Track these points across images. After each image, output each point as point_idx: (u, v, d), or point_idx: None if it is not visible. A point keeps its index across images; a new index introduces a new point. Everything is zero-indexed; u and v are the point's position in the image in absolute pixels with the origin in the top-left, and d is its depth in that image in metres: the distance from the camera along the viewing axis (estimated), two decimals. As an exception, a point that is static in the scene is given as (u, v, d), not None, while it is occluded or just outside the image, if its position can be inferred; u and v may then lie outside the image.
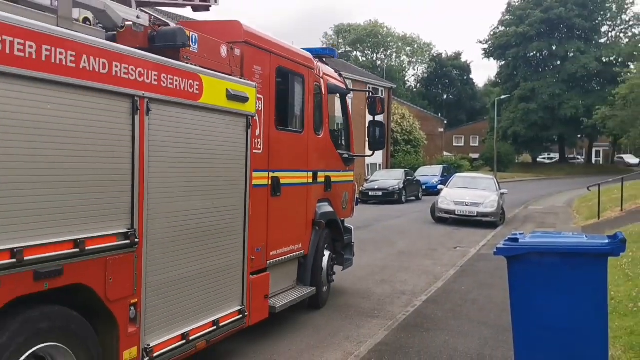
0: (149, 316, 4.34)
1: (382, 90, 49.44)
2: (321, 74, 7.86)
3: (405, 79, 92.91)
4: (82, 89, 3.65)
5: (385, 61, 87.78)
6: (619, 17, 63.53)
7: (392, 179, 27.90)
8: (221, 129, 5.18)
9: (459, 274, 10.22)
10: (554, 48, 62.67)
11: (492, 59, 69.00)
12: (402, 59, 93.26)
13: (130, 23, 4.55)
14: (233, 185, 5.41)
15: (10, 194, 3.23)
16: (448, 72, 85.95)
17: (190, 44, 4.98)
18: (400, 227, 17.72)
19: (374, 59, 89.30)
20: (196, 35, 5.09)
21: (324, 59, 8.43)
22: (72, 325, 3.70)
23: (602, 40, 63.93)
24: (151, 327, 4.37)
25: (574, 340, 4.50)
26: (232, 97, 5.21)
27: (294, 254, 6.97)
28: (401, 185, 27.26)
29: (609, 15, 63.41)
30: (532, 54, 63.39)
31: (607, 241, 4.43)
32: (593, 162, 73.78)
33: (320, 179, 7.59)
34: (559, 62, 63.75)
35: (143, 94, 4.16)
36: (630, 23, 63.19)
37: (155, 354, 4.37)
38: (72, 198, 3.64)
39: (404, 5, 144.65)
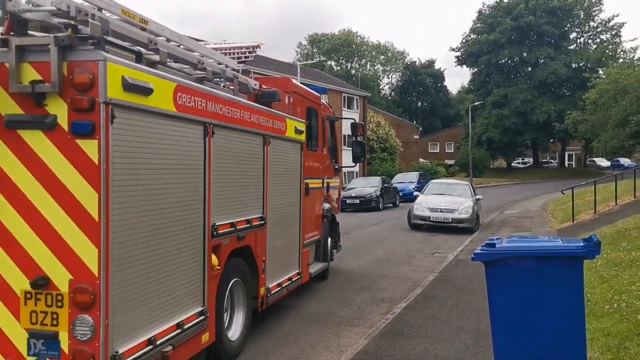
0: (269, 267, 7.01)
1: (357, 99, 49.70)
2: (323, 107, 10.42)
3: (380, 87, 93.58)
4: (244, 132, 6.19)
5: (360, 70, 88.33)
6: (586, 24, 64.81)
7: (369, 186, 27.98)
8: (291, 153, 7.85)
9: (438, 280, 10.24)
10: (524, 55, 63.72)
11: (464, 66, 69.87)
12: (376, 67, 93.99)
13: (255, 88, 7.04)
14: (295, 189, 8.03)
15: (230, 195, 5.85)
16: (422, 80, 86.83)
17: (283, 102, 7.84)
18: (378, 235, 17.75)
19: (349, 67, 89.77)
20: (279, 91, 7.51)
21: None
22: (244, 269, 6.37)
23: (571, 47, 65.17)
24: (270, 275, 7.08)
25: (552, 343, 4.54)
26: (297, 131, 7.98)
27: (314, 238, 9.40)
28: (378, 193, 27.32)
29: (577, 22, 64.67)
30: (503, 60, 64.33)
31: (582, 244, 4.47)
32: (566, 165, 75.01)
33: (325, 184, 10.11)
34: (530, 69, 64.78)
35: (267, 133, 6.79)
36: (598, 29, 64.51)
37: (271, 293, 7.10)
38: (246, 196, 6.33)
39: (378, 15, 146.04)
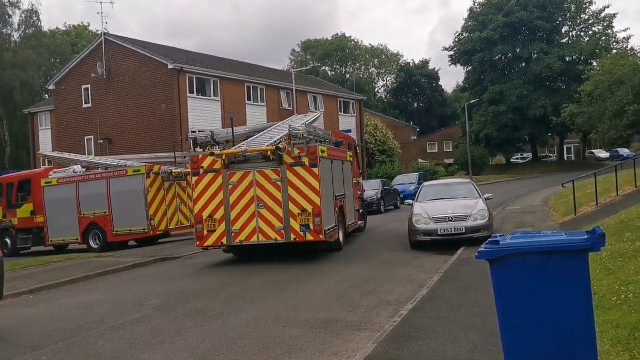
0: (347, 216, 16.03)
1: (353, 103, 49.69)
2: (354, 141, 20.01)
3: (376, 90, 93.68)
4: (339, 160, 15.72)
5: (355, 74, 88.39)
6: (578, 17, 64.88)
7: (369, 189, 27.91)
8: (350, 167, 17.19)
9: (443, 280, 10.19)
10: (518, 51, 63.77)
11: (458, 65, 69.92)
12: (371, 70, 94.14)
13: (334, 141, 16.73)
14: (351, 183, 16.98)
15: (337, 184, 14.99)
16: (417, 81, 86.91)
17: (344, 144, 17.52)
18: (381, 237, 17.71)
19: (343, 72, 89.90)
20: (343, 141, 17.64)
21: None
22: (342, 214, 15.46)
23: (564, 40, 65.20)
24: (348, 219, 16.10)
25: (562, 338, 4.48)
26: (350, 157, 17.41)
27: (357, 207, 18.03)
28: (379, 195, 27.29)
29: (568, 15, 64.76)
30: (497, 57, 64.37)
31: (586, 237, 4.43)
32: (565, 159, 75.01)
33: (358, 182, 19.50)
34: (524, 64, 64.85)
35: (343, 159, 16.25)
36: (590, 22, 64.58)
37: (349, 225, 16.35)
38: (340, 185, 15.46)
39: (369, 18, 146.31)
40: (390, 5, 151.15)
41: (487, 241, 4.75)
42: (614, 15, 63.55)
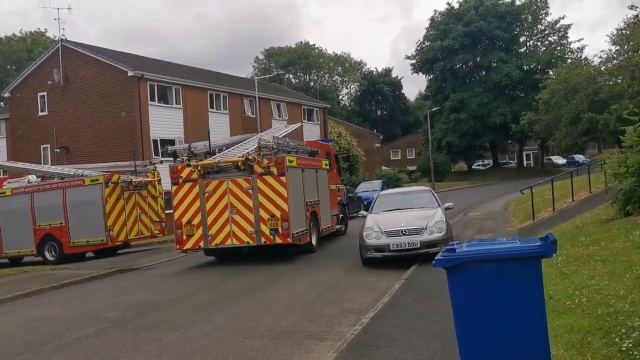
0: (322, 219, 17.24)
1: (316, 111, 49.81)
2: (333, 150, 21.43)
3: (339, 97, 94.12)
4: (311, 168, 17.04)
5: (318, 81, 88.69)
6: (534, 27, 66.68)
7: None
8: (325, 174, 18.41)
9: (404, 287, 10.25)
10: (478, 59, 65.08)
11: (420, 73, 70.92)
12: (334, 78, 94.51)
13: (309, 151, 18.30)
14: (327, 189, 18.23)
15: (308, 190, 16.25)
16: (380, 89, 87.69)
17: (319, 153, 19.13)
18: (345, 244, 17.71)
19: (307, 80, 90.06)
20: (319, 150, 19.13)
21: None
22: (315, 218, 16.75)
23: (522, 50, 66.89)
24: (323, 222, 17.41)
25: (517, 344, 4.54)
26: (325, 165, 18.50)
27: (336, 212, 19.28)
28: (344, 203, 27.31)
29: (525, 25, 66.48)
30: (458, 66, 65.53)
31: (539, 243, 4.51)
32: (524, 165, 76.63)
33: (337, 187, 20.67)
34: (484, 73, 66.20)
35: (316, 168, 17.43)
36: (546, 32, 66.43)
37: (323, 229, 17.44)
38: (312, 191, 16.69)
39: (333, 27, 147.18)
40: (353, 14, 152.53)
41: (444, 249, 4.80)
42: (568, 26, 65.55)
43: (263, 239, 14.39)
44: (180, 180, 14.82)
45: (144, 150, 31.41)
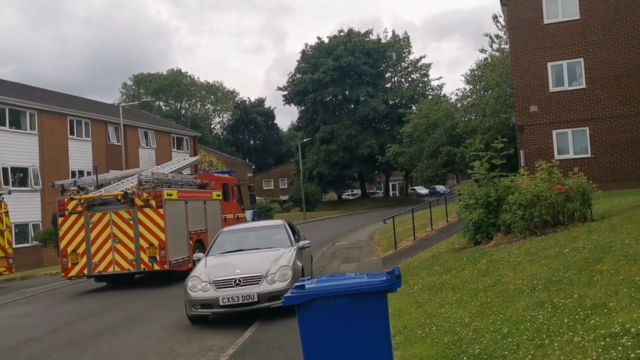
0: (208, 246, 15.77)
1: (186, 139, 48.82)
2: (230, 181, 22.48)
3: (212, 126, 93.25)
4: (197, 200, 18.34)
5: (190, 110, 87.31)
6: (399, 65, 70.82)
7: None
8: (216, 205, 19.60)
9: (266, 321, 10.09)
10: (347, 93, 67.70)
11: (292, 104, 72.28)
12: (206, 107, 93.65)
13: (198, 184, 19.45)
14: (218, 218, 19.43)
15: (194, 221, 17.73)
16: (253, 119, 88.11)
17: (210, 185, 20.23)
18: None
19: (178, 107, 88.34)
20: (210, 182, 20.32)
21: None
22: (201, 245, 17.62)
23: (387, 85, 70.66)
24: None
25: (366, 378, 4.57)
26: (217, 195, 19.83)
27: None
28: None
29: (390, 62, 70.40)
30: (328, 98, 67.67)
31: (384, 278, 4.59)
32: (391, 195, 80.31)
33: (235, 216, 21.58)
34: (352, 106, 68.93)
35: (205, 199, 18.77)
36: (409, 69, 70.79)
37: None
38: (200, 221, 18.31)
39: (206, 55, 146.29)
40: (226, 44, 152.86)
41: (294, 285, 4.75)
42: (429, 65, 70.48)
43: (142, 266, 15.71)
44: (67, 212, 15.94)
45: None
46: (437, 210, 23.57)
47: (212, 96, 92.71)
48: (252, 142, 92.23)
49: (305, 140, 64.72)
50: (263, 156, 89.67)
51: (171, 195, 16.27)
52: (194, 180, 19.08)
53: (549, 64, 22.72)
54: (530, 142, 22.72)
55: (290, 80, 71.38)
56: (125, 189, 16.08)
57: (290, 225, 13.11)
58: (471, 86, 38.49)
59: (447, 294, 8.73)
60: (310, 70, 67.42)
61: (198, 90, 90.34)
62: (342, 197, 78.16)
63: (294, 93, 69.51)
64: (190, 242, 17.04)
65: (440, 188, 67.25)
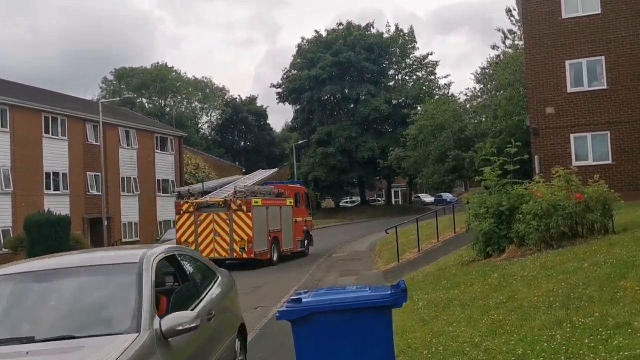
0: (284, 242, 25.66)
1: (171, 139, 48.76)
2: (301, 190, 29.95)
3: (199, 125, 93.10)
4: (277, 206, 25.34)
5: (175, 107, 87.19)
6: (403, 61, 70.72)
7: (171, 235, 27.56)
8: (289, 209, 26.25)
9: (258, 338, 10.05)
10: (346, 91, 67.49)
11: (287, 103, 72.13)
12: (193, 104, 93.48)
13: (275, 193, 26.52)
14: (290, 220, 26.21)
15: (271, 223, 24.55)
16: (244, 118, 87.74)
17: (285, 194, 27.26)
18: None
19: (163, 105, 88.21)
20: (285, 192, 27.12)
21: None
22: (278, 238, 25.58)
23: (390, 83, 70.50)
24: (284, 245, 25.87)
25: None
26: (289, 203, 26.48)
27: (300, 238, 27.32)
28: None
29: (394, 59, 70.33)
30: (325, 97, 67.41)
31: (389, 292, 4.57)
32: (393, 202, 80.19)
33: (303, 219, 28.11)
34: (352, 105, 68.77)
35: (281, 205, 25.62)
36: (414, 67, 70.74)
37: (285, 249, 25.90)
38: (276, 221, 24.89)
39: (193, 48, 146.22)
40: (214, 36, 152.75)
41: (289, 299, 4.72)
42: (436, 62, 70.47)
43: (235, 254, 22.56)
44: (182, 212, 23.25)
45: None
46: (443, 220, 23.56)
47: (200, 93, 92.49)
48: (242, 143, 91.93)
49: (300, 142, 64.62)
50: (254, 159, 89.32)
51: (257, 202, 23.22)
52: (272, 190, 25.83)
53: (567, 62, 22.76)
54: (545, 146, 22.74)
55: (285, 76, 71.15)
56: (225, 196, 23.30)
57: (176, 260, 6.10)
58: (481, 85, 38.56)
59: (455, 310, 8.70)
60: (306, 66, 67.19)
61: (184, 87, 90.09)
62: (340, 204, 78.00)
63: (289, 90, 69.29)
64: (269, 238, 23.81)
65: (446, 196, 67.10)
